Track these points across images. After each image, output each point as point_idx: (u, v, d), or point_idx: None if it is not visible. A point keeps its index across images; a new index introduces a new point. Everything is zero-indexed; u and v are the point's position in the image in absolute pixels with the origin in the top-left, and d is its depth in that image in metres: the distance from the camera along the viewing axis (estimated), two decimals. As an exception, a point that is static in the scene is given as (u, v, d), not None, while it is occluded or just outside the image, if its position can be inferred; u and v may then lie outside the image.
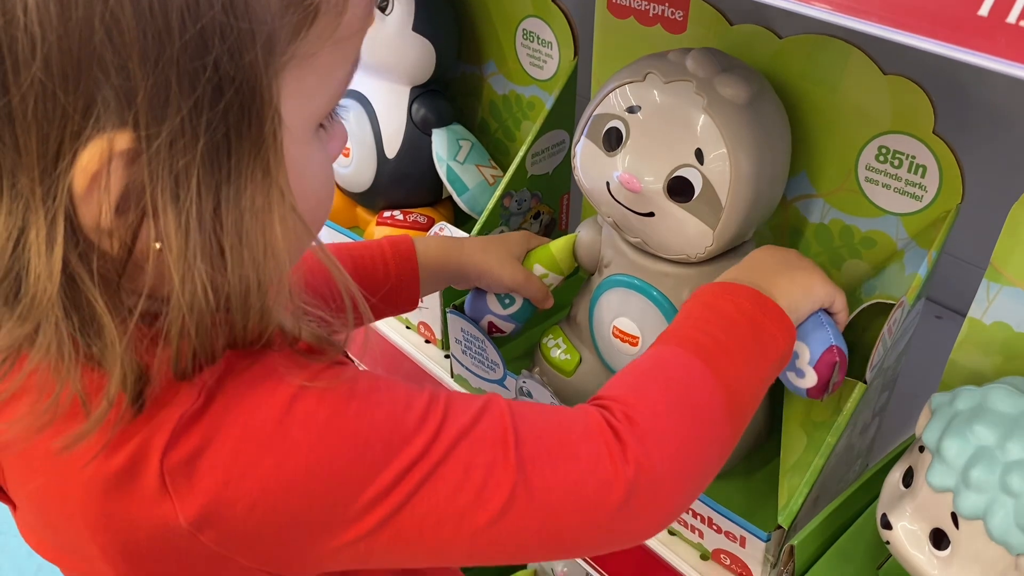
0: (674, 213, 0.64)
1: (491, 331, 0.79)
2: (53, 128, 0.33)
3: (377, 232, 0.96)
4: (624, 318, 0.72)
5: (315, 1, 0.37)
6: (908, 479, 0.57)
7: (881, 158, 0.67)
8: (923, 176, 0.66)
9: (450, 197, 0.96)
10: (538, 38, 0.88)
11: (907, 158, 0.66)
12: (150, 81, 0.33)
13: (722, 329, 0.51)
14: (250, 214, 0.37)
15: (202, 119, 0.34)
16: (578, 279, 0.80)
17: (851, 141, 0.69)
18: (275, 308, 0.40)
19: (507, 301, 0.78)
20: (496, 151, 0.99)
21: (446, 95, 0.96)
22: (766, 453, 0.74)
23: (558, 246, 0.77)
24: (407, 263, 0.71)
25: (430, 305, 0.87)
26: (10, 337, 0.37)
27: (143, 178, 0.35)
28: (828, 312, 0.61)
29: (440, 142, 0.93)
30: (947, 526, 0.53)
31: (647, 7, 0.76)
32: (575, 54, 0.85)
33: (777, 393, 0.71)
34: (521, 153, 0.85)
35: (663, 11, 0.75)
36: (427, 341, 0.92)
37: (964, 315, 0.63)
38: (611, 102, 0.67)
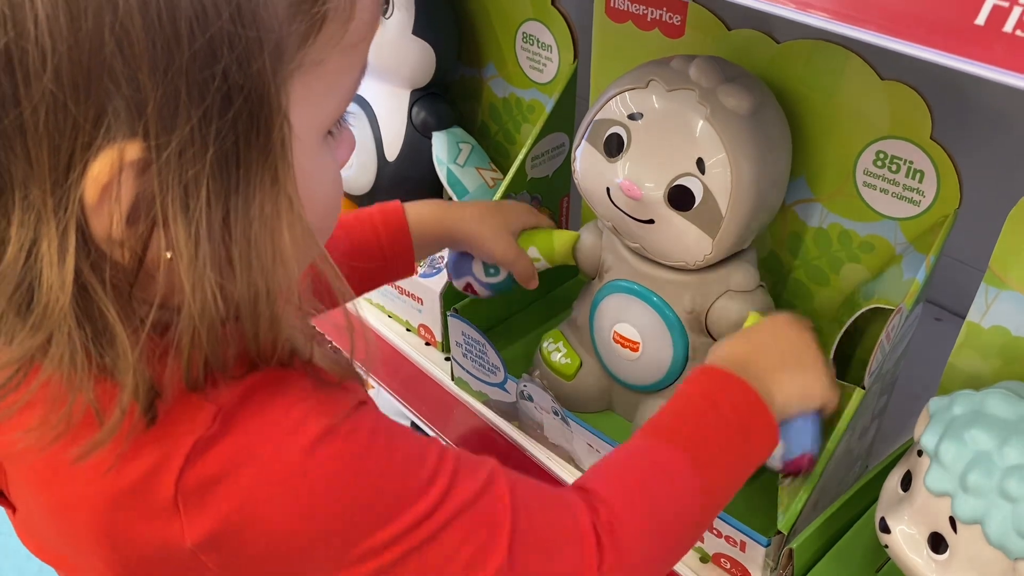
0: (674, 221, 0.65)
1: (465, 290, 0.79)
2: (64, 139, 0.33)
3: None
4: (624, 323, 0.72)
5: (322, 8, 0.37)
6: (906, 483, 0.57)
7: (879, 163, 0.68)
8: (921, 181, 0.66)
9: (450, 199, 0.96)
10: (538, 41, 0.88)
11: (905, 163, 0.66)
12: (160, 91, 0.33)
13: (714, 429, 0.54)
14: (259, 222, 0.37)
15: (211, 128, 0.34)
16: (580, 281, 0.80)
17: (849, 146, 0.69)
18: (284, 316, 0.40)
19: (492, 271, 0.78)
20: (496, 154, 1.00)
21: (446, 98, 0.96)
22: (765, 456, 0.74)
23: (560, 239, 0.77)
24: (399, 233, 0.72)
25: (430, 308, 0.87)
26: (23, 348, 0.37)
27: (153, 188, 0.35)
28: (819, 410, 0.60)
29: (440, 145, 0.93)
30: (945, 530, 0.53)
31: (645, 11, 0.76)
32: (575, 57, 0.85)
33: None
34: (521, 156, 0.85)
35: (661, 15, 0.76)
36: (427, 344, 0.92)
37: (964, 317, 0.63)
38: (613, 108, 0.67)
